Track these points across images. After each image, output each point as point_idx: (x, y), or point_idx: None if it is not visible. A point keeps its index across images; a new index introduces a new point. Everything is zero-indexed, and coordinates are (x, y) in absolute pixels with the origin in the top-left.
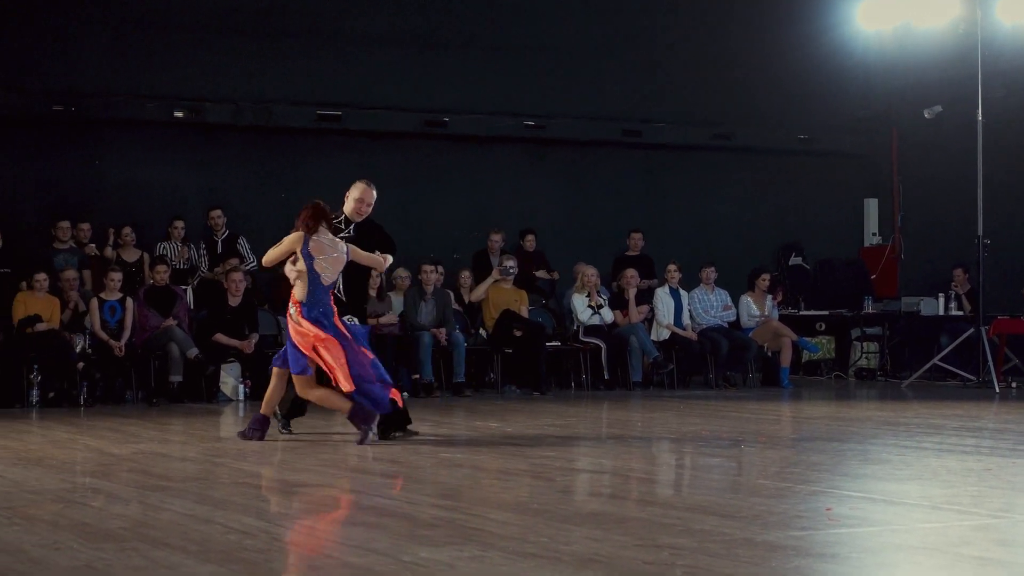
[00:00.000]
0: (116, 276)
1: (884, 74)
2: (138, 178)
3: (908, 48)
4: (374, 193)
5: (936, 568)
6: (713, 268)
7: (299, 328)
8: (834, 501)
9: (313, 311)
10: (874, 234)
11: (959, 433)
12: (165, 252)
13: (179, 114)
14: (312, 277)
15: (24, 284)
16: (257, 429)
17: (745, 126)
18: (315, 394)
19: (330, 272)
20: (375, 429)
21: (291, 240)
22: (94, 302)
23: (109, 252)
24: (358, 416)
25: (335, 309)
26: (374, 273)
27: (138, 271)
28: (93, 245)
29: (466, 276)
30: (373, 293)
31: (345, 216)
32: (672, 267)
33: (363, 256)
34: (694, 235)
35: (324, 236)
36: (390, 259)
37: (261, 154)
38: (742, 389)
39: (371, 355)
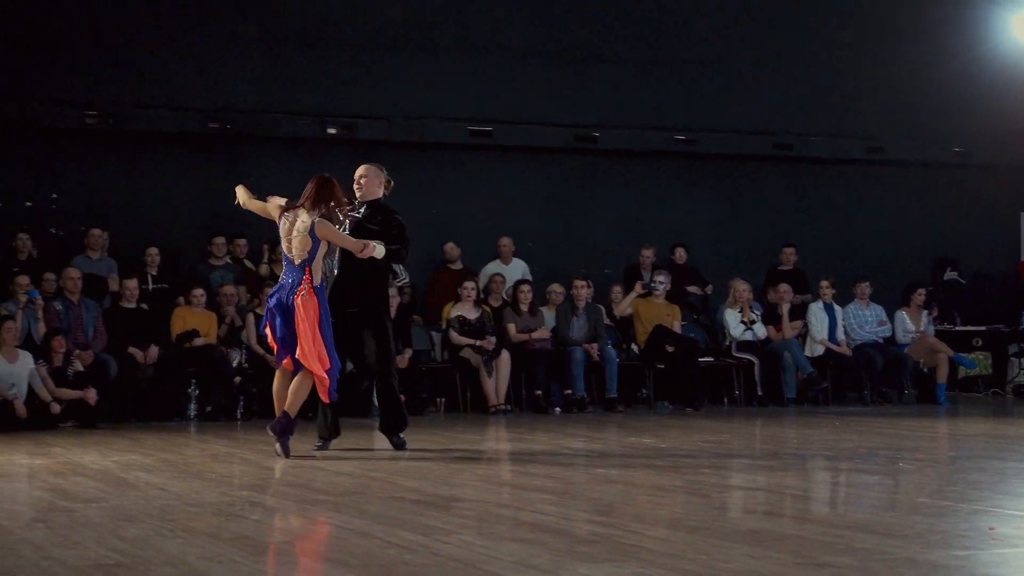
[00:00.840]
0: None
1: None
2: (293, 194)
3: None
4: (364, 170)
5: None
6: (868, 283)
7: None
8: (996, 520)
9: (273, 293)
10: None
11: None
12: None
13: (332, 131)
14: (283, 255)
15: (182, 299)
16: (281, 426)
17: (899, 139)
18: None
19: (298, 250)
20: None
21: (271, 208)
22: (250, 317)
23: (264, 268)
24: (277, 427)
25: (305, 288)
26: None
27: None
28: (248, 261)
29: (617, 291)
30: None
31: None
32: (825, 283)
33: (335, 235)
34: (847, 249)
35: (296, 215)
36: (376, 248)
37: (413, 170)
38: (897, 406)
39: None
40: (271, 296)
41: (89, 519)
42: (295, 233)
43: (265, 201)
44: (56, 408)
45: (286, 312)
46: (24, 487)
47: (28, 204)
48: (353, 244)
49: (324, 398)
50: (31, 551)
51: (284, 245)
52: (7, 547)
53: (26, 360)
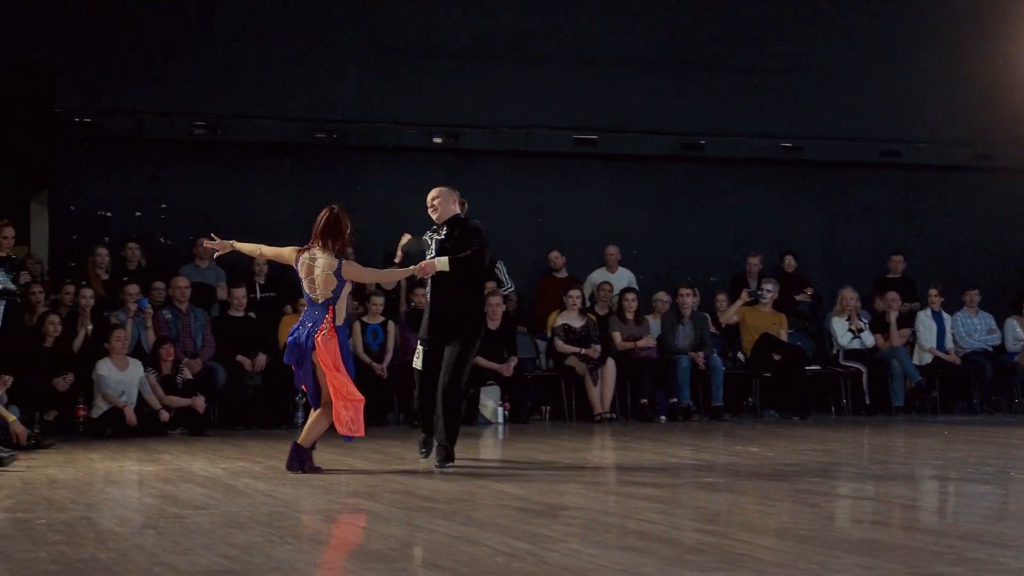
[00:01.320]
0: (378, 300)
1: None
2: (398, 203)
3: None
4: (435, 192)
5: None
6: (976, 291)
7: None
8: None
9: (294, 330)
10: None
11: None
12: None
13: (438, 140)
14: (305, 295)
15: (289, 308)
16: (295, 460)
17: (1006, 145)
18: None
19: (321, 290)
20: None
21: (285, 252)
22: (356, 326)
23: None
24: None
25: (326, 327)
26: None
27: (398, 296)
28: None
29: (722, 299)
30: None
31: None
32: (934, 290)
33: (368, 275)
34: (955, 257)
35: (312, 255)
36: (437, 261)
37: (518, 179)
38: (1008, 414)
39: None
40: (291, 334)
41: (199, 525)
42: (317, 272)
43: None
44: (165, 416)
45: (303, 353)
46: (134, 493)
47: (137, 214)
48: (400, 273)
49: (342, 431)
50: (142, 557)
51: (306, 285)
52: (119, 553)
53: (136, 368)
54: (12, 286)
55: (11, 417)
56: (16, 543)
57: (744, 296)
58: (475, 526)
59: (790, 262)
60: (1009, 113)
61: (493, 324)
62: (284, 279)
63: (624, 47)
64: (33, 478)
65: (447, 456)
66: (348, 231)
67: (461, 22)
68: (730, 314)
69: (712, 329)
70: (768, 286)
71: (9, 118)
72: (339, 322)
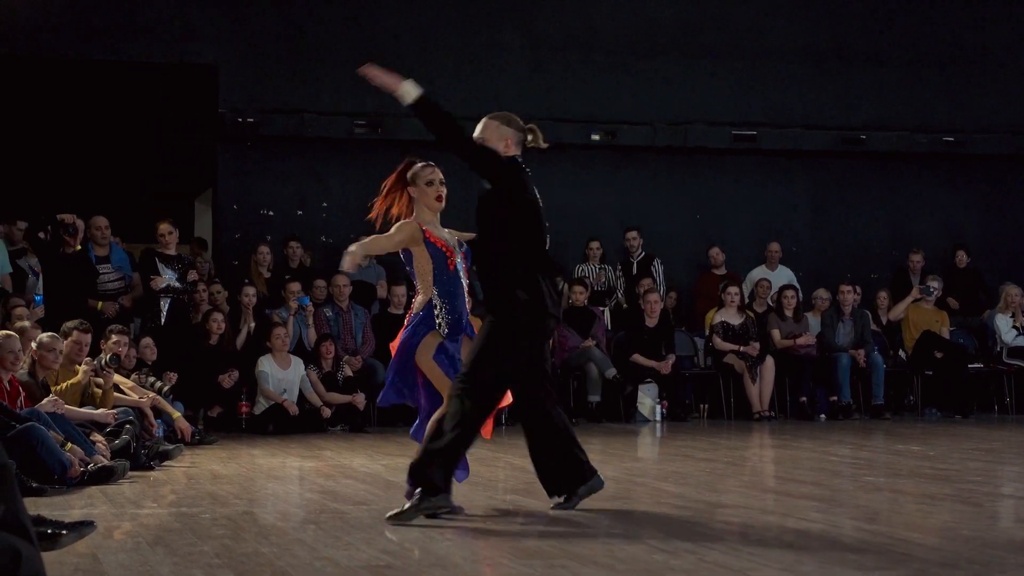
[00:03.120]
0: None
1: None
2: (556, 200)
3: None
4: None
5: None
6: None
7: None
8: None
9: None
10: None
11: None
12: (584, 274)
13: (595, 137)
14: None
15: None
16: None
17: None
18: None
19: None
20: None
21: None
22: None
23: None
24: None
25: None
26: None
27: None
28: None
29: (883, 296)
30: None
31: None
32: None
33: (376, 244)
34: None
35: None
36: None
37: (676, 175)
38: None
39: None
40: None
41: (359, 520)
42: None
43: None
44: (326, 412)
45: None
46: (296, 489)
47: (299, 213)
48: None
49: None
50: (304, 551)
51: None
52: (281, 547)
53: (298, 366)
54: (177, 284)
55: (176, 413)
56: (181, 537)
57: (916, 292)
58: (633, 523)
59: (962, 257)
60: None
61: (651, 321)
62: None
63: (783, 41)
64: (197, 473)
65: (426, 488)
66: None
67: (619, 18)
68: (899, 311)
69: (873, 326)
70: (934, 284)
71: (174, 118)
72: (417, 309)
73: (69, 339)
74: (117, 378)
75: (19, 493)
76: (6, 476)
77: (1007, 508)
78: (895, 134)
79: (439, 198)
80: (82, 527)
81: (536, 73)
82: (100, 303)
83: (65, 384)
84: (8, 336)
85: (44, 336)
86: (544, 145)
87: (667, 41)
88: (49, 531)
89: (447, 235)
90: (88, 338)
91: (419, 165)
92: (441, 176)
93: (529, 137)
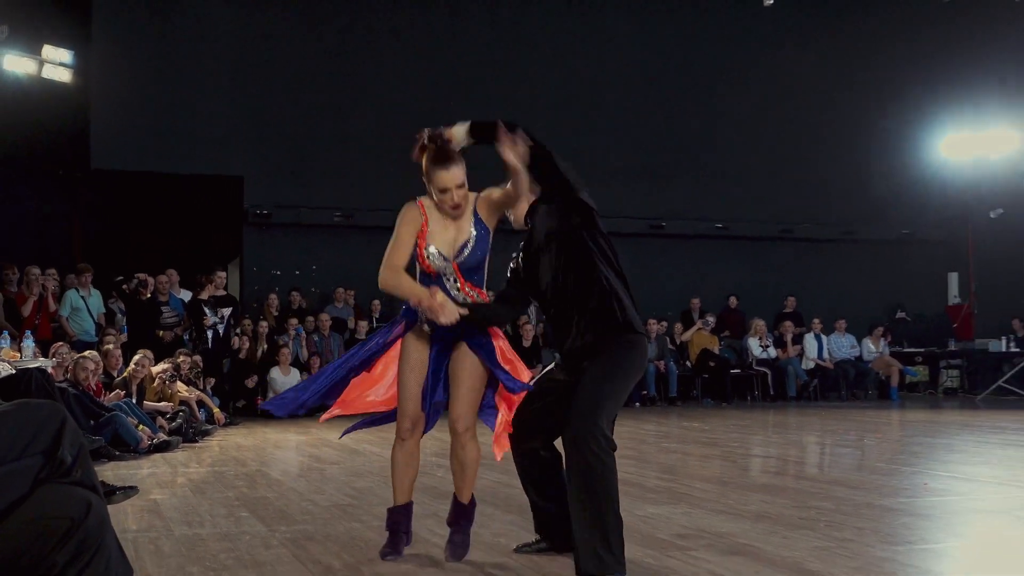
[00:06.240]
0: None
1: (961, 186)
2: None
3: (980, 168)
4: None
5: (1001, 526)
6: (844, 320)
7: None
8: (929, 478)
9: None
10: (955, 296)
11: (1018, 432)
12: None
13: None
14: None
15: None
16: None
17: (868, 222)
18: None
19: None
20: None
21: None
22: None
23: None
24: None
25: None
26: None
27: None
28: None
29: (678, 327)
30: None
31: None
32: (816, 320)
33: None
34: (828, 298)
35: None
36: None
37: None
38: (863, 402)
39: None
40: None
41: (333, 475)
42: None
43: None
44: None
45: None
46: (293, 455)
47: (297, 272)
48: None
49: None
50: (296, 496)
51: None
52: (280, 493)
53: (295, 374)
54: (219, 322)
55: (214, 406)
56: (213, 487)
57: (699, 324)
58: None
59: (733, 301)
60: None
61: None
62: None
63: (616, 157)
64: (227, 445)
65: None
66: None
67: None
68: (687, 335)
69: (670, 345)
70: (710, 318)
71: (211, 212)
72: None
73: (137, 357)
74: (177, 384)
75: (91, 462)
76: (84, 450)
77: (755, 463)
78: (686, 221)
79: (454, 207)
80: (128, 490)
81: None
82: (161, 332)
83: (150, 387)
84: (83, 357)
85: (89, 353)
86: None
87: None
88: (104, 491)
89: (450, 240)
90: (144, 359)
91: (434, 165)
92: (459, 179)
93: None
